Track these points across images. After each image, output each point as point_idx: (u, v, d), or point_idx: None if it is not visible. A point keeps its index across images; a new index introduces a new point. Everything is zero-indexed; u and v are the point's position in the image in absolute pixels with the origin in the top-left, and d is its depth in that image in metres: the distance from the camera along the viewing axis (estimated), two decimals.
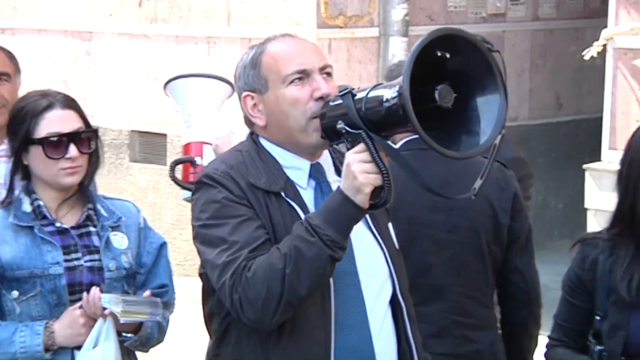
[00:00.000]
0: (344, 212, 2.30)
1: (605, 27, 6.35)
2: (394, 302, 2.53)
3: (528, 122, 8.13)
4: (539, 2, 8.14)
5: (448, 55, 2.23)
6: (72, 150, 2.89)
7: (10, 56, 4.03)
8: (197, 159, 3.49)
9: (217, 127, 3.60)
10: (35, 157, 2.90)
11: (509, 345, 3.28)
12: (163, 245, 3.09)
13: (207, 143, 3.52)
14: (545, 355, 2.85)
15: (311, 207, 2.46)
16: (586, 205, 6.42)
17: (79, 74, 8.19)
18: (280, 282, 2.31)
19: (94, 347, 2.83)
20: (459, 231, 3.14)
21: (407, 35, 7.01)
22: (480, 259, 3.17)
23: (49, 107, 2.90)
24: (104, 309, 2.80)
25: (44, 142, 2.88)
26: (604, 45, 6.27)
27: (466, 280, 3.16)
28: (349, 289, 2.44)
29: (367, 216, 2.48)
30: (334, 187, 2.46)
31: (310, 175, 2.51)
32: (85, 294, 2.85)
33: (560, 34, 8.28)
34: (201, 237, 2.47)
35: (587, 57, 6.33)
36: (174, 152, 7.49)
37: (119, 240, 3.00)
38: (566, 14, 8.34)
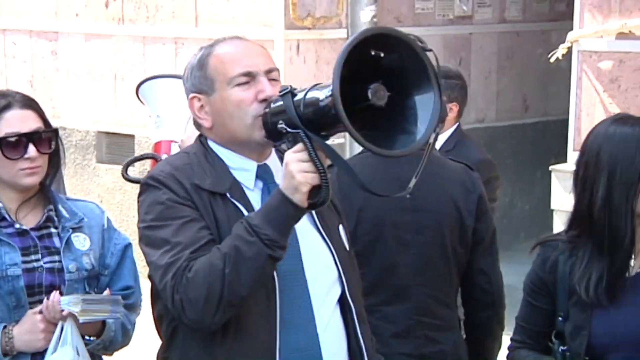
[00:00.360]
0: (283, 212, 2.30)
1: (571, 29, 6.40)
2: (343, 303, 2.54)
3: (495, 124, 8.18)
4: (506, 4, 8.20)
5: (382, 55, 2.23)
6: (31, 150, 2.85)
7: None
8: (164, 156, 3.49)
9: (187, 126, 3.59)
10: None
11: (472, 346, 3.30)
12: (128, 246, 3.07)
13: (176, 141, 3.53)
14: (508, 357, 2.86)
15: (257, 207, 2.46)
16: (552, 207, 6.47)
17: (44, 75, 8.13)
18: (221, 282, 2.31)
19: (53, 352, 2.79)
20: (424, 232, 3.16)
21: None
22: (445, 260, 3.18)
23: (7, 107, 2.87)
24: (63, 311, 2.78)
25: (2, 142, 2.84)
26: (570, 48, 6.32)
27: (431, 281, 3.17)
28: (295, 289, 2.44)
29: (315, 217, 2.51)
30: None
31: (258, 177, 2.52)
32: (45, 298, 2.83)
33: (527, 37, 8.34)
34: (146, 239, 2.47)
35: (552, 60, 6.38)
36: (141, 153, 7.45)
37: (81, 241, 2.97)
38: (532, 16, 8.40)
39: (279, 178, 2.50)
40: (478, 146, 4.49)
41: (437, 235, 3.16)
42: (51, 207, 2.96)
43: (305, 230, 2.48)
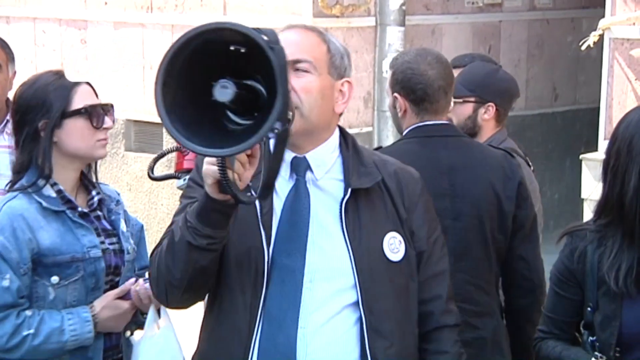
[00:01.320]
0: (203, 202, 2.31)
1: (602, 17, 6.34)
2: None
3: (524, 113, 8.12)
4: None
5: (243, 50, 2.11)
6: (108, 121, 2.94)
7: (2, 45, 3.96)
8: None
9: None
10: (73, 130, 2.88)
11: (513, 333, 3.29)
12: (142, 228, 3.16)
13: None
14: (535, 348, 2.84)
15: (283, 199, 2.46)
16: (583, 196, 6.42)
17: (74, 63, 8.16)
18: (163, 264, 2.40)
19: (151, 333, 2.90)
20: (463, 218, 3.16)
21: (404, 24, 6.99)
22: (484, 247, 3.18)
23: (77, 82, 2.94)
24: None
25: (89, 111, 2.89)
26: (601, 36, 6.26)
27: (469, 267, 3.17)
28: (288, 285, 2.41)
29: (343, 219, 2.44)
30: (321, 184, 2.45)
31: (292, 168, 2.49)
32: (133, 288, 2.93)
33: (557, 24, 8.27)
34: None
35: (584, 47, 6.32)
36: (169, 142, 7.47)
37: (122, 223, 3.04)
38: (563, 3, 8.33)
39: (320, 174, 2.48)
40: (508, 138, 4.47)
41: (475, 221, 3.16)
42: (98, 190, 3.00)
43: (327, 230, 2.44)
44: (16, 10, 8.39)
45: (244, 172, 2.24)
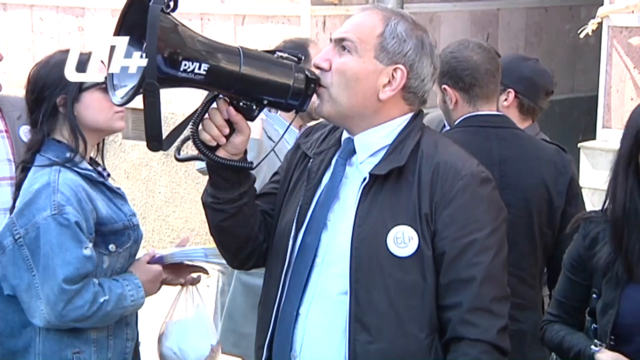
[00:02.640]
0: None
1: (601, 4, 6.33)
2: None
3: None
4: None
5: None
6: None
7: None
8: None
9: None
10: (91, 103, 2.90)
11: None
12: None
13: None
14: (540, 330, 2.84)
15: (328, 176, 2.46)
16: (580, 184, 6.42)
17: None
18: None
19: (185, 314, 3.05)
20: (511, 210, 3.08)
21: None
22: (531, 240, 3.17)
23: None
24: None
25: (106, 83, 2.90)
26: (600, 23, 6.25)
27: (515, 260, 3.10)
28: (302, 265, 2.42)
29: (358, 206, 2.39)
30: (362, 167, 2.43)
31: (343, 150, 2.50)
32: (165, 253, 3.02)
33: (555, 12, 8.26)
34: None
35: (582, 35, 6.31)
36: (167, 130, 7.44)
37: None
38: None
39: (363, 155, 2.44)
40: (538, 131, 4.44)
41: (524, 214, 3.14)
42: (103, 166, 3.06)
43: (345, 213, 2.41)
44: None
45: (220, 136, 2.33)
